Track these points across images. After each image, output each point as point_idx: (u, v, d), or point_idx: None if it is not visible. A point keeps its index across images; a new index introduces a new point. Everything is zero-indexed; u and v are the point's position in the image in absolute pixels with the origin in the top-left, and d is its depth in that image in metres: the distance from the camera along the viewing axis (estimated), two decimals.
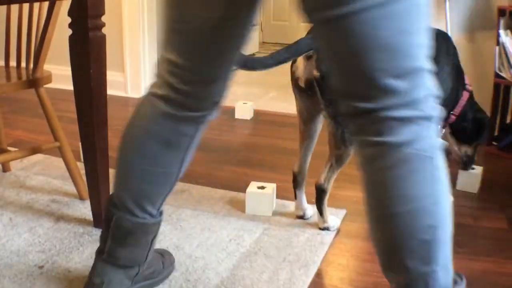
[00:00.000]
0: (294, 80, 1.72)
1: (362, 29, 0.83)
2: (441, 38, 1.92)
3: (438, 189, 0.92)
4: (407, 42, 0.86)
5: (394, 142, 0.91)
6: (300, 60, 1.68)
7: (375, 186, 0.95)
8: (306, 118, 1.79)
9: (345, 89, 0.92)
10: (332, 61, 0.91)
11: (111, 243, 1.30)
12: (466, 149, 2.09)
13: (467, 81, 2.00)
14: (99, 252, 1.33)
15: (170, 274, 1.51)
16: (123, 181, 1.26)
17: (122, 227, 1.27)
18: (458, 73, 1.95)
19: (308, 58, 1.65)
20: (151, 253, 1.36)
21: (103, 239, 1.33)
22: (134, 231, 1.28)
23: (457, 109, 1.98)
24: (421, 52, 0.89)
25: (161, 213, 1.33)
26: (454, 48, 1.95)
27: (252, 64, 1.55)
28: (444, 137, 2.09)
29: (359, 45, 0.85)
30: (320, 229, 1.80)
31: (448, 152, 2.16)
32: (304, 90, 1.70)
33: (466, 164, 2.12)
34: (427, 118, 0.92)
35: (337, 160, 1.71)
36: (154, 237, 1.33)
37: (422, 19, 0.89)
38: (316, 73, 1.63)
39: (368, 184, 0.96)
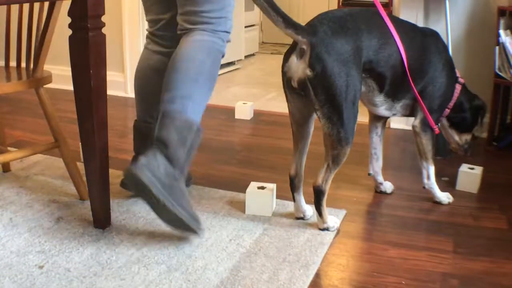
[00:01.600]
0: (286, 80, 1.70)
1: None
2: (430, 37, 1.92)
3: (209, 57, 1.72)
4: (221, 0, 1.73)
5: (196, 27, 1.73)
6: (292, 60, 1.65)
7: (181, 43, 1.74)
8: (299, 120, 1.78)
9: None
10: None
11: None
12: (467, 137, 2.11)
13: (457, 74, 2.02)
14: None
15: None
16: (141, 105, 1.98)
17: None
18: (450, 69, 1.96)
19: (301, 57, 1.64)
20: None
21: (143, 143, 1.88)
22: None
23: (451, 103, 1.99)
24: (229, 9, 1.76)
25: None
26: (444, 44, 1.96)
27: None
28: (443, 130, 2.10)
29: None
30: (320, 229, 1.80)
31: (448, 143, 2.19)
32: (297, 91, 1.69)
33: (467, 150, 2.13)
34: (220, 37, 1.76)
35: (334, 160, 1.70)
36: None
37: None
38: (309, 72, 1.62)
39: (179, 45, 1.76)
